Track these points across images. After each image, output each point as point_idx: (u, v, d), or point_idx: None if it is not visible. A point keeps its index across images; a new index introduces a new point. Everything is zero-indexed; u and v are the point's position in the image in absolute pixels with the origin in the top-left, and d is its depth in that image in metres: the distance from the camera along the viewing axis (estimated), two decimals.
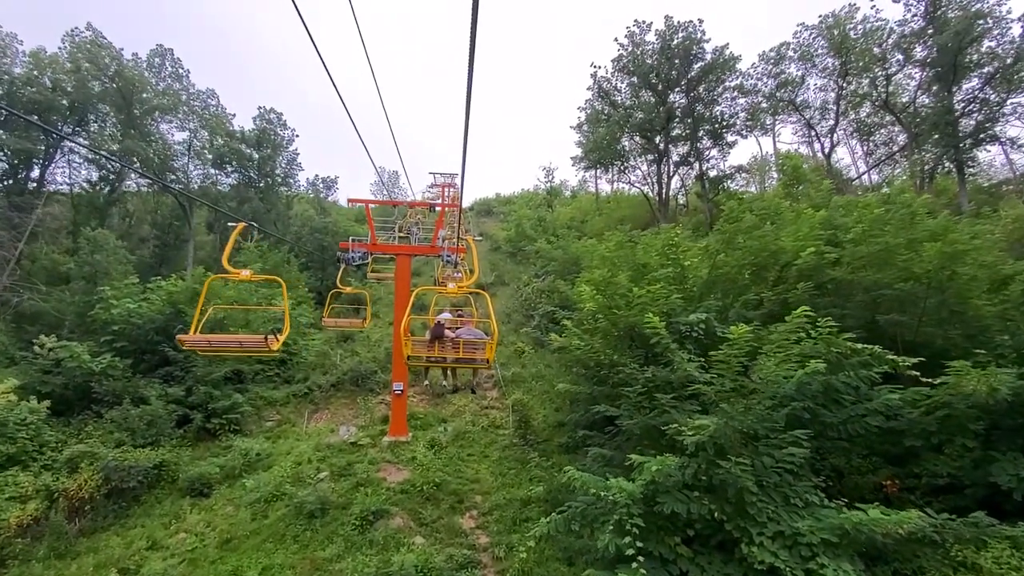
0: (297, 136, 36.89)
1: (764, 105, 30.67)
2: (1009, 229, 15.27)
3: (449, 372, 15.99)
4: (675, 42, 28.49)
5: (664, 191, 32.27)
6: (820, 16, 27.44)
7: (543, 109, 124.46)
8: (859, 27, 26.36)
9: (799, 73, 29.43)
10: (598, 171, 39.30)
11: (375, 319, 21.63)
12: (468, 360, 9.96)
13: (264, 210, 32.64)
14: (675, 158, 31.95)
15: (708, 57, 28.35)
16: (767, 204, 13.25)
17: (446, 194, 23.10)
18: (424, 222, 19.67)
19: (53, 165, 28.64)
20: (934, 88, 23.76)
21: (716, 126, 29.62)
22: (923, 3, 22.69)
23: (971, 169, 23.36)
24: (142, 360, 16.13)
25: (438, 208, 15.38)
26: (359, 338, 21.62)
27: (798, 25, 28.60)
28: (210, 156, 33.84)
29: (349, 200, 14.95)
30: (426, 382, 16.42)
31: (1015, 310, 8.43)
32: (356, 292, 17.09)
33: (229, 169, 34.74)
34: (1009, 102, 21.56)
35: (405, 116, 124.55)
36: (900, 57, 25.28)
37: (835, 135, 30.24)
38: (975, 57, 21.79)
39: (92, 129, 29.28)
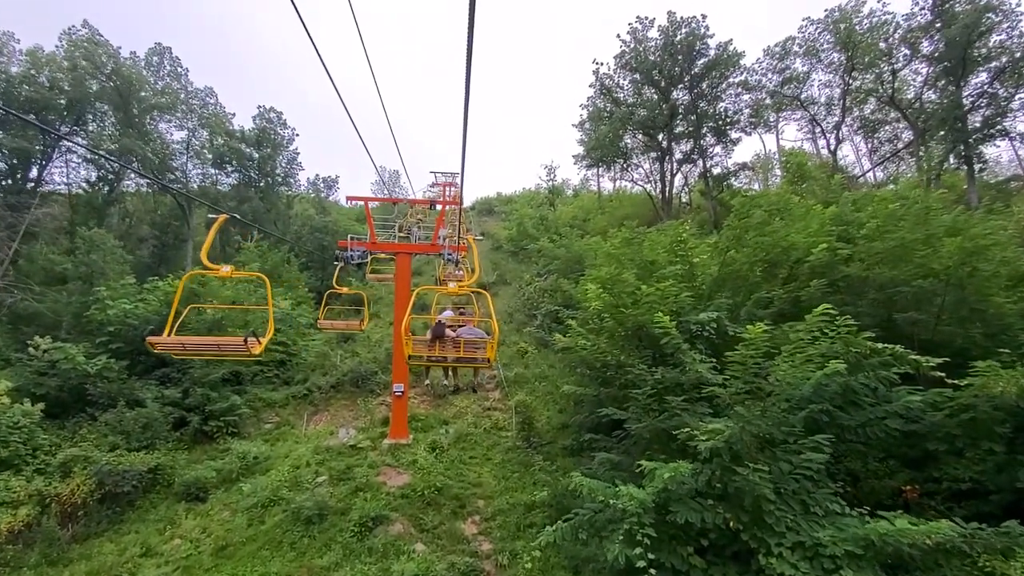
0: (297, 135, 36.74)
1: (768, 102, 30.33)
2: (1022, 226, 14.98)
3: (450, 372, 15.82)
4: (678, 38, 28.11)
5: (667, 189, 31.90)
6: (826, 10, 27.08)
7: (544, 109, 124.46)
8: (865, 21, 26.02)
9: (804, 68, 29.11)
10: (600, 169, 38.94)
11: (375, 319, 21.39)
12: (469, 359, 9.73)
13: (264, 210, 32.48)
14: (678, 155, 31.57)
15: (712, 53, 27.96)
16: (776, 199, 12.94)
17: (447, 193, 22.83)
18: (424, 221, 19.39)
19: (51, 165, 28.40)
20: (941, 83, 23.46)
21: (720, 123, 29.26)
22: None
23: (979, 165, 23.03)
24: (138, 362, 15.85)
25: (439, 206, 15.09)
26: (359, 338, 21.36)
27: (803, 20, 28.28)
28: (209, 156, 33.65)
29: (348, 198, 14.66)
30: (427, 382, 16.20)
31: None
32: (354, 293, 16.82)
33: (229, 169, 34.55)
34: (1018, 97, 21.23)
35: (405, 116, 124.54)
36: (907, 52, 24.94)
37: (840, 131, 29.94)
38: (984, 51, 21.50)
39: (90, 128, 29.06)
